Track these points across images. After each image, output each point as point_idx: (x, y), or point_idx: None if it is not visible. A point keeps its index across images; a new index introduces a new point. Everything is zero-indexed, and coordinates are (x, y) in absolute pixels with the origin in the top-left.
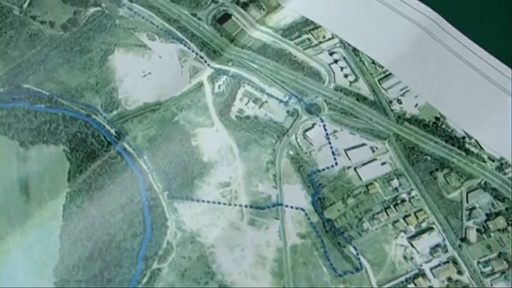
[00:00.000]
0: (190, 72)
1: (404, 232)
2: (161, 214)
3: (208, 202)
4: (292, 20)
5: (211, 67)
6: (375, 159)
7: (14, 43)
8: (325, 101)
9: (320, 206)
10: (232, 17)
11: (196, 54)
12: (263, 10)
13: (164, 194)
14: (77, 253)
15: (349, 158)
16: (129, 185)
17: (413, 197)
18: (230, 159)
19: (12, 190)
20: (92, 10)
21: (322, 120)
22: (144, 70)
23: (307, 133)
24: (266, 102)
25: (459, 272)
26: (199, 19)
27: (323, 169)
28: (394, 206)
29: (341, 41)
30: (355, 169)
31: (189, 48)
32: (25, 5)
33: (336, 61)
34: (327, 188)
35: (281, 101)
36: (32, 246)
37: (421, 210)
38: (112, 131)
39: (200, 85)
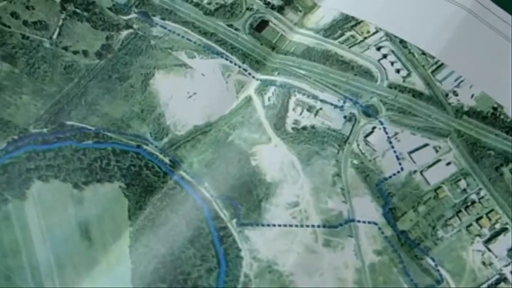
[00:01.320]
0: (236, 87)
1: (479, 236)
2: (233, 244)
3: (279, 225)
4: (331, 18)
5: (257, 79)
6: (439, 160)
7: (49, 78)
8: (381, 101)
9: (392, 218)
10: (270, 23)
11: (239, 67)
12: (300, 11)
13: (233, 222)
14: None
15: (414, 161)
16: (194, 216)
17: (482, 197)
18: (294, 175)
19: (73, 237)
20: (124, 33)
21: (381, 123)
22: (189, 91)
23: (368, 138)
24: (321, 109)
25: None
26: (236, 29)
27: (390, 177)
28: (465, 209)
29: (387, 34)
30: (421, 172)
31: (231, 61)
32: (54, 36)
33: (385, 56)
34: (396, 197)
35: (336, 106)
36: None
37: (492, 210)
38: (166, 160)
39: (249, 99)
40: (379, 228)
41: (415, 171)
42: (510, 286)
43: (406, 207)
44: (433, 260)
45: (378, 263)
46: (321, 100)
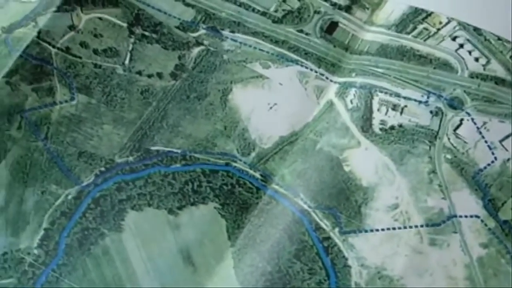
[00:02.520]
0: (316, 92)
1: None
2: (339, 254)
3: (383, 230)
4: (401, 13)
5: (335, 82)
6: None
7: (127, 105)
8: (465, 91)
9: (493, 209)
10: (339, 24)
11: (315, 72)
12: (367, 9)
13: (335, 231)
14: None
15: (506, 149)
16: (295, 229)
17: None
18: (390, 177)
19: (176, 264)
20: (196, 50)
21: (468, 114)
22: (269, 102)
23: (458, 131)
24: (406, 106)
25: None
26: (307, 34)
27: (485, 167)
28: None
29: (459, 23)
30: None
31: (306, 67)
32: (126, 62)
33: (461, 46)
34: (494, 187)
35: (420, 102)
36: None
37: None
38: (257, 175)
39: (330, 104)
40: (482, 221)
41: (508, 159)
42: None
43: (505, 196)
44: None
45: (485, 256)
46: (404, 97)
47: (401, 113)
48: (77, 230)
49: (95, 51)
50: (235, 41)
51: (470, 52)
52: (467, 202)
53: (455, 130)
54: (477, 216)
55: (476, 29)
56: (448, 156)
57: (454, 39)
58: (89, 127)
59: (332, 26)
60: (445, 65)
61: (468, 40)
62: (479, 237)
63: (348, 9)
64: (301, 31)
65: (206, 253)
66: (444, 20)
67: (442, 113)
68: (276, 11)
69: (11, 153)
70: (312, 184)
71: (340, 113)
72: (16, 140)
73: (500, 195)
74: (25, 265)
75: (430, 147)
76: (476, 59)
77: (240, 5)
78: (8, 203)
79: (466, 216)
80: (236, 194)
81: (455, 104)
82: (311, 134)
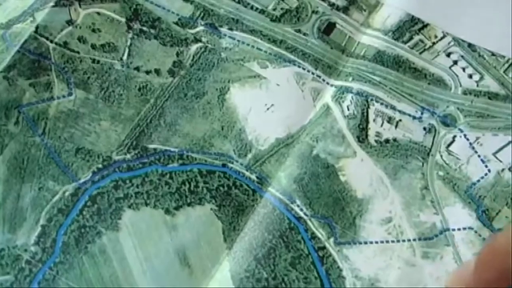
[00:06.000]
0: (312, 94)
1: None
2: (334, 264)
3: (377, 242)
4: (398, 19)
5: (331, 85)
6: None
7: (125, 101)
8: (458, 108)
9: (487, 219)
10: (337, 25)
11: (312, 73)
12: (364, 10)
13: (330, 241)
14: None
15: (500, 161)
16: (291, 237)
17: None
18: (384, 191)
19: (173, 265)
20: (194, 47)
21: (461, 131)
22: (266, 103)
23: (451, 148)
24: (400, 120)
25: None
26: (304, 34)
27: (478, 181)
28: None
29: (454, 39)
30: (509, 169)
31: (303, 68)
32: (124, 57)
33: (455, 62)
34: (488, 198)
35: (414, 117)
36: None
37: None
38: (253, 177)
39: (327, 107)
40: (476, 232)
41: (503, 170)
42: None
43: (500, 206)
44: None
45: None
46: (400, 111)
47: (395, 127)
48: (74, 227)
49: (93, 46)
50: (233, 39)
51: (464, 69)
52: (460, 216)
53: (447, 147)
54: (470, 228)
55: (470, 45)
56: (441, 173)
57: (448, 55)
58: (87, 123)
59: (330, 27)
60: (439, 82)
61: (462, 56)
62: (473, 248)
63: (345, 10)
64: (299, 31)
65: (202, 255)
66: (440, 34)
67: (435, 130)
68: (274, 9)
69: (9, 149)
70: (308, 191)
71: (336, 119)
72: (13, 136)
73: (494, 205)
74: (22, 262)
75: (423, 163)
76: (470, 76)
77: (238, 2)
78: (5, 199)
79: (459, 229)
80: (233, 196)
81: (447, 121)
82: (307, 138)
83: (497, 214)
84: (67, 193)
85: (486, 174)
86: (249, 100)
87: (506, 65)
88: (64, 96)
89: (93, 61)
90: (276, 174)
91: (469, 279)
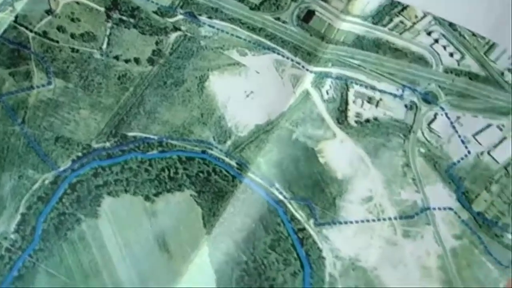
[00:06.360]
0: (292, 81)
1: None
2: (314, 245)
3: (357, 222)
4: (377, 4)
5: (311, 72)
6: (505, 138)
7: (104, 89)
8: (439, 86)
9: (467, 201)
10: (316, 13)
11: (292, 60)
12: None
13: (310, 223)
14: None
15: (480, 143)
16: (271, 219)
17: None
18: (364, 170)
19: (153, 251)
20: (173, 36)
21: (442, 109)
22: (245, 90)
23: (432, 125)
24: (381, 99)
25: None
26: (284, 22)
27: (458, 161)
28: None
29: (435, 18)
30: (488, 153)
31: (283, 56)
32: (104, 46)
33: (436, 41)
34: (468, 180)
35: (395, 95)
36: None
37: None
38: (233, 163)
39: (306, 93)
40: (455, 213)
41: (482, 152)
42: None
43: (479, 189)
44: None
45: (459, 247)
46: (380, 91)
47: (376, 106)
48: (53, 215)
49: (73, 36)
50: (213, 27)
51: (445, 47)
52: (440, 195)
53: (429, 124)
54: (450, 209)
55: (451, 24)
56: (422, 150)
57: (429, 33)
58: (66, 111)
59: (309, 15)
60: (420, 60)
61: (443, 35)
62: (453, 229)
63: None
64: (278, 18)
65: (182, 241)
66: (420, 14)
67: (417, 107)
68: None
69: None
70: (287, 174)
71: (316, 103)
72: None
73: (474, 188)
74: (1, 250)
75: (404, 140)
76: (451, 54)
77: None
78: None
79: (439, 209)
80: (212, 181)
81: (429, 98)
82: (287, 124)
83: (476, 197)
84: (46, 181)
85: (466, 155)
86: (228, 88)
87: (487, 47)
88: (43, 85)
89: (73, 50)
90: (256, 160)
91: None
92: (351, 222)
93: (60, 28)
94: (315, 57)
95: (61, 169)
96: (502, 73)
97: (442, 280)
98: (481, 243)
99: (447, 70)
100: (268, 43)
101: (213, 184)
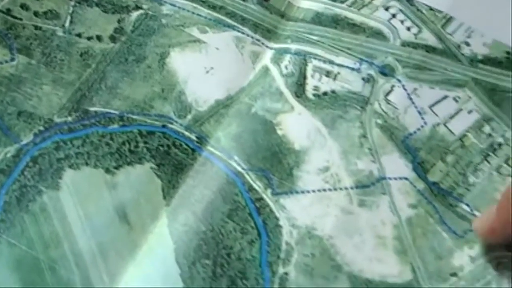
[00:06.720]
0: (251, 58)
1: (511, 176)
2: (271, 214)
3: (314, 191)
4: None
5: (271, 48)
6: (461, 110)
7: (67, 66)
8: (396, 59)
9: (422, 171)
10: None
11: (252, 37)
12: None
13: (268, 192)
14: (200, 275)
15: (436, 114)
16: (229, 190)
17: (508, 138)
18: (321, 141)
19: (112, 223)
20: (135, 14)
21: (399, 81)
22: (206, 66)
23: (389, 97)
24: (339, 73)
25: None
26: (244, 0)
27: (414, 132)
28: (493, 152)
29: None
30: (445, 124)
31: (243, 33)
32: (67, 24)
33: (394, 16)
34: (423, 151)
35: (353, 69)
36: (151, 277)
37: None
38: (193, 137)
39: (266, 69)
40: (411, 183)
41: (438, 124)
42: None
43: (435, 159)
44: (468, 205)
45: (414, 217)
46: (338, 65)
47: (334, 79)
48: (15, 187)
49: (36, 13)
50: (174, 5)
51: (402, 22)
52: (396, 165)
53: (386, 96)
54: (406, 178)
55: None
56: (379, 121)
57: (387, 9)
58: (29, 87)
59: None
60: (378, 34)
61: (400, 10)
62: (408, 198)
63: None
64: None
65: (141, 212)
66: None
67: (374, 80)
68: None
69: None
70: (246, 147)
71: (275, 78)
72: None
73: (429, 158)
74: None
75: (361, 112)
76: (408, 28)
77: None
78: None
79: (395, 178)
80: (172, 155)
81: (386, 71)
82: (246, 98)
83: (431, 167)
84: (8, 155)
85: (422, 126)
86: (189, 64)
87: (444, 20)
88: (6, 61)
89: (36, 27)
90: (215, 133)
91: (492, 218)
92: (308, 192)
93: (23, 6)
94: (275, 34)
95: (23, 142)
96: (459, 46)
97: (397, 249)
98: (436, 213)
99: (405, 44)
100: (228, 20)
101: (173, 157)
